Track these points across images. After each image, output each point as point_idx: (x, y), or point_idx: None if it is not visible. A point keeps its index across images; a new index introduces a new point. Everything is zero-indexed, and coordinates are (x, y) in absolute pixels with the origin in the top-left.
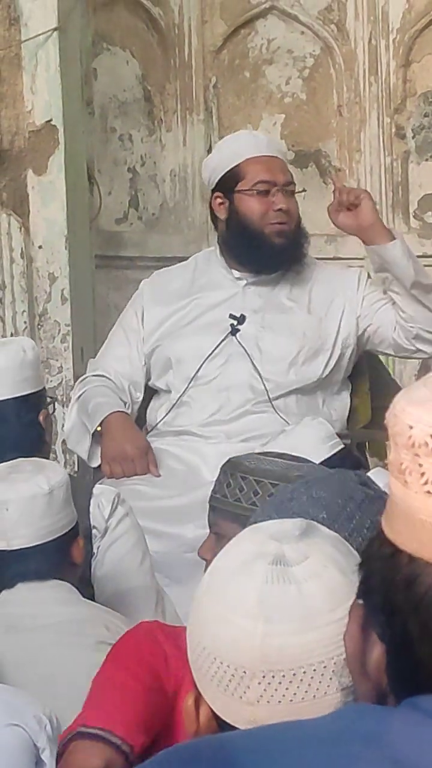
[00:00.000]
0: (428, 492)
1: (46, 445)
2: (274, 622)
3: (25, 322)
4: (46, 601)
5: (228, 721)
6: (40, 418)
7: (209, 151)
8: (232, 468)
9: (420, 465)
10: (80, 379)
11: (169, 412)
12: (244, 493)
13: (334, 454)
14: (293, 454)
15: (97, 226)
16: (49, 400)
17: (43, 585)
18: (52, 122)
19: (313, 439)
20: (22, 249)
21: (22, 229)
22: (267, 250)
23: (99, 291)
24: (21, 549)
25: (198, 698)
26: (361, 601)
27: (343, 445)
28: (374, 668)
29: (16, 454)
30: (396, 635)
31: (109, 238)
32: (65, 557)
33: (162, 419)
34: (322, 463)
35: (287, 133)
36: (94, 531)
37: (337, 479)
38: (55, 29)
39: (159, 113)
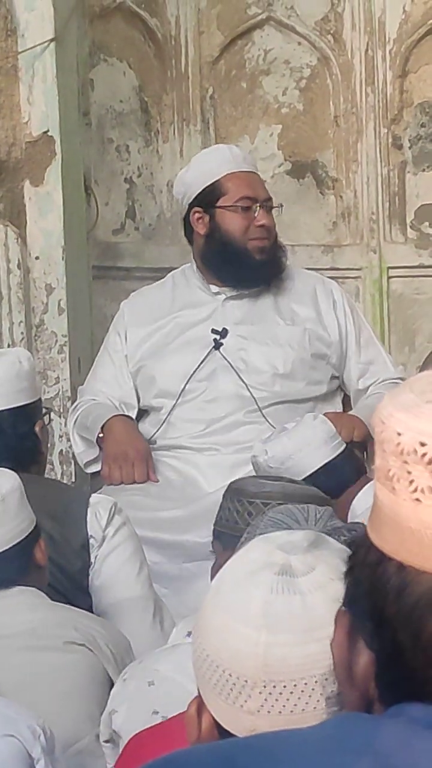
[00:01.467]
0: (417, 500)
1: (42, 455)
2: (277, 632)
3: (22, 333)
4: (12, 609)
5: (229, 729)
6: (36, 429)
7: None
8: (231, 493)
9: (409, 472)
10: (72, 408)
11: (158, 429)
12: (240, 516)
13: (338, 455)
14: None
15: (94, 236)
16: (45, 410)
17: (7, 593)
18: (49, 133)
19: (316, 440)
20: (19, 260)
21: (19, 239)
22: (249, 266)
23: (96, 301)
24: None
25: (200, 706)
26: (345, 609)
27: (345, 445)
28: (361, 676)
29: (11, 465)
30: (386, 645)
31: (106, 249)
32: (28, 562)
33: (153, 435)
34: (325, 464)
35: (284, 144)
36: (91, 540)
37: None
38: (51, 40)
39: (156, 124)
